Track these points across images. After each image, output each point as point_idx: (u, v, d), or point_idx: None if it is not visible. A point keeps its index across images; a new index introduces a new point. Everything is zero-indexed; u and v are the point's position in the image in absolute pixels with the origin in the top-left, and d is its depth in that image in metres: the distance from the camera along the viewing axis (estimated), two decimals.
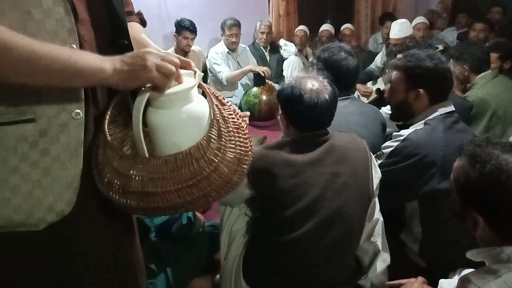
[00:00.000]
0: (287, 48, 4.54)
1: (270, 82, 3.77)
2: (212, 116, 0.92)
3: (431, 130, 1.62)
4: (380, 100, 3.21)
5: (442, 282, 1.30)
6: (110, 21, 0.93)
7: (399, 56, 1.84)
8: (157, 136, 0.90)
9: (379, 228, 1.51)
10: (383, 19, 4.84)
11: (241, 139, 0.94)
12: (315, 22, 5.11)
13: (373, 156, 1.48)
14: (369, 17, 5.50)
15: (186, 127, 0.89)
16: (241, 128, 0.95)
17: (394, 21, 3.81)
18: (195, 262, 1.89)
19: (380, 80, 3.43)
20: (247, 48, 4.24)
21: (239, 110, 1.02)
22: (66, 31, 0.78)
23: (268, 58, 4.41)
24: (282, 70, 4.38)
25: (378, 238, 1.50)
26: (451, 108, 1.69)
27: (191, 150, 0.87)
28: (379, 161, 1.66)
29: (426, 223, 1.64)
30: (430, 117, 1.67)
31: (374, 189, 1.42)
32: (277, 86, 3.71)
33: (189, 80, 0.92)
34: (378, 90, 3.36)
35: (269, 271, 1.40)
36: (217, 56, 3.90)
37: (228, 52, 3.97)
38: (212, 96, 0.95)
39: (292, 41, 4.63)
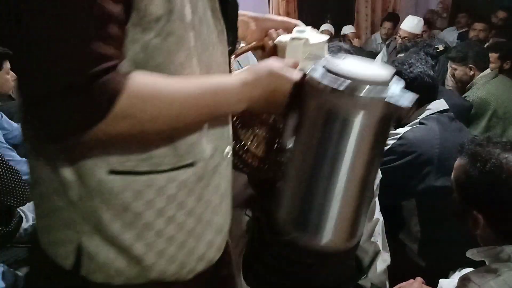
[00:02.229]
0: None
1: None
2: None
3: (427, 128, 1.64)
4: None
5: (442, 281, 1.30)
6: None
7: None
8: None
9: (379, 228, 1.51)
10: (385, 20, 4.84)
11: None
12: (315, 22, 5.10)
13: None
14: (369, 17, 5.51)
15: None
16: None
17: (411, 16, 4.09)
18: None
19: None
20: None
21: None
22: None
23: None
24: None
25: (378, 238, 1.50)
26: (444, 105, 1.70)
27: None
28: None
29: (425, 222, 1.65)
30: (423, 115, 1.69)
31: (375, 189, 1.42)
32: None
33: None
34: None
35: (269, 271, 1.40)
36: None
37: None
38: None
39: None
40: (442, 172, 1.54)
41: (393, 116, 0.71)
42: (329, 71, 0.69)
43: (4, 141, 2.20)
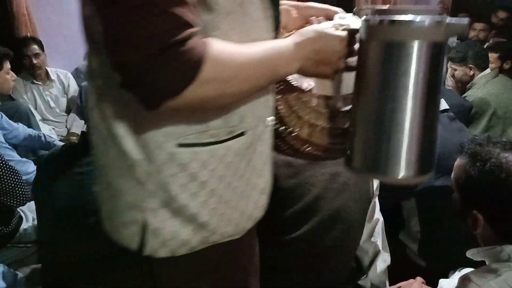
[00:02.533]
0: None
1: None
2: None
3: None
4: None
5: (442, 281, 1.30)
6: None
7: None
8: None
9: (379, 228, 1.51)
10: None
11: None
12: None
13: None
14: None
15: None
16: None
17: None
18: None
19: None
20: None
21: None
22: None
23: None
24: None
25: (378, 238, 1.50)
26: (444, 105, 1.70)
27: None
28: None
29: (425, 222, 1.65)
30: None
31: (374, 189, 1.42)
32: None
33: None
34: None
35: (268, 271, 1.39)
36: None
37: None
38: None
39: None
40: (442, 172, 1.53)
41: (450, 38, 0.76)
42: (382, 13, 0.75)
43: (4, 141, 2.21)
